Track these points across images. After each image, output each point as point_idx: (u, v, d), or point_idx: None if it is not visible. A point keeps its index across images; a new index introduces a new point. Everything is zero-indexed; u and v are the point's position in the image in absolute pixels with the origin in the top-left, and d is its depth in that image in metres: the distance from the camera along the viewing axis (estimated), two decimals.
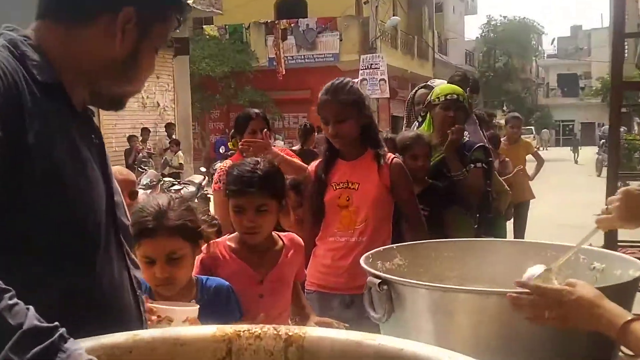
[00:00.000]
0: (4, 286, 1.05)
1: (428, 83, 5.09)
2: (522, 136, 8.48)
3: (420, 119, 4.34)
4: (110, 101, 1.40)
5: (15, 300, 1.04)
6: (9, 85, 1.20)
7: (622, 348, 1.52)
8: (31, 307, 1.04)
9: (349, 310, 2.95)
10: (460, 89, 3.98)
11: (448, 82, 4.69)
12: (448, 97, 3.85)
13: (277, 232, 2.58)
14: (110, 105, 1.42)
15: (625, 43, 5.32)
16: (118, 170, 2.88)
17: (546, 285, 1.58)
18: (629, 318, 1.47)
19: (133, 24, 1.32)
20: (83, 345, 1.05)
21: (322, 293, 3.10)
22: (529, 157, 8.12)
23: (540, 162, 8.30)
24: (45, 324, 1.04)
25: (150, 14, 1.35)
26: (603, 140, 21.47)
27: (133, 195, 3.01)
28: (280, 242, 2.55)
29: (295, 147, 7.00)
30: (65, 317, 1.07)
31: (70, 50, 1.31)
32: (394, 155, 3.17)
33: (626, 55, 6.86)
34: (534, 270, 1.71)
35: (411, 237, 2.89)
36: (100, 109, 1.48)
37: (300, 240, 2.64)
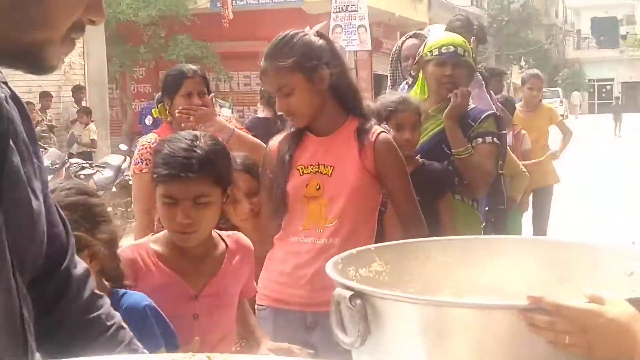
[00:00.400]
0: None
1: (419, 31, 5.11)
2: (544, 101, 8.57)
3: (411, 80, 4.35)
4: (24, 57, 1.34)
5: None
6: None
7: None
8: None
9: (312, 333, 2.96)
10: (461, 39, 4.00)
11: (446, 30, 4.71)
12: (443, 49, 3.86)
13: (218, 231, 2.57)
14: (32, 64, 1.35)
15: None
16: None
17: (567, 303, 1.58)
18: None
19: None
20: None
21: (279, 310, 3.11)
22: (554, 128, 8.21)
23: (567, 134, 8.40)
24: None
25: None
26: None
27: None
28: (223, 245, 2.54)
29: (263, 114, 6.96)
30: None
31: None
32: (380, 129, 3.16)
33: None
34: None
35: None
36: None
37: (249, 242, 2.64)
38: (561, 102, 36.16)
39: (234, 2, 20.98)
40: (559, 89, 41.71)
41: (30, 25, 1.30)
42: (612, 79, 58.38)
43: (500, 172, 4.17)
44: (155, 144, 3.15)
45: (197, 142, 2.42)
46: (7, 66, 1.35)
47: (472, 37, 4.61)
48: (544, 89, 8.56)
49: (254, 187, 3.37)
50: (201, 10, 21.62)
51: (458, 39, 3.99)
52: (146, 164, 3.84)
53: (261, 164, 3.35)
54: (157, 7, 21.11)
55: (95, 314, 1.67)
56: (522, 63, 44.24)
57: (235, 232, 2.68)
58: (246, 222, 3.31)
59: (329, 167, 3.09)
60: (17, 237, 1.37)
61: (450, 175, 3.79)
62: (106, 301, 1.71)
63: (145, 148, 3.97)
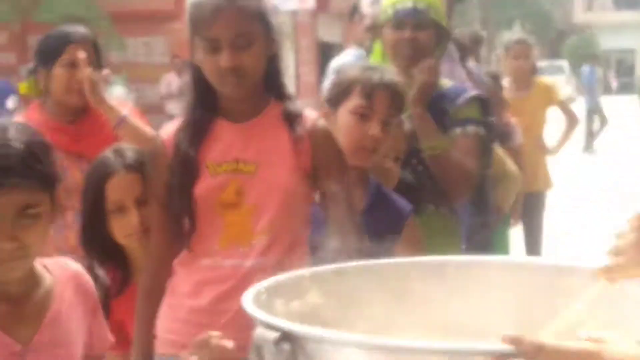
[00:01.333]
0: None
1: None
2: (543, 77, 8.55)
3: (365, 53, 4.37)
4: None
5: None
6: None
7: None
8: None
9: None
10: None
11: None
12: (398, 6, 3.90)
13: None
14: None
15: None
16: None
17: (553, 343, 1.59)
18: None
19: None
20: None
21: None
22: (553, 110, 8.15)
23: (571, 120, 8.39)
24: None
25: None
26: None
27: None
28: (47, 276, 2.49)
29: None
30: None
31: None
32: (315, 114, 3.20)
33: None
34: None
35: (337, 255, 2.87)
36: None
37: (80, 269, 2.60)
38: (566, 79, 36.35)
39: None
40: (564, 62, 42.11)
41: None
42: (634, 50, 59.24)
43: (485, 172, 4.19)
44: None
45: (10, 134, 2.31)
46: None
47: None
48: (544, 62, 8.57)
49: (146, 192, 3.33)
50: None
51: None
52: None
53: (150, 162, 3.28)
54: None
55: None
56: (517, 28, 44.70)
57: (61, 258, 2.63)
58: (133, 238, 3.29)
59: (251, 164, 3.08)
60: None
61: (421, 178, 3.81)
62: None
63: None
